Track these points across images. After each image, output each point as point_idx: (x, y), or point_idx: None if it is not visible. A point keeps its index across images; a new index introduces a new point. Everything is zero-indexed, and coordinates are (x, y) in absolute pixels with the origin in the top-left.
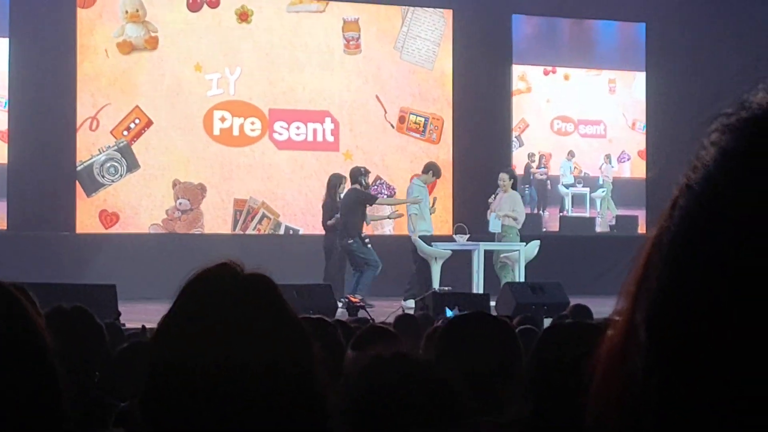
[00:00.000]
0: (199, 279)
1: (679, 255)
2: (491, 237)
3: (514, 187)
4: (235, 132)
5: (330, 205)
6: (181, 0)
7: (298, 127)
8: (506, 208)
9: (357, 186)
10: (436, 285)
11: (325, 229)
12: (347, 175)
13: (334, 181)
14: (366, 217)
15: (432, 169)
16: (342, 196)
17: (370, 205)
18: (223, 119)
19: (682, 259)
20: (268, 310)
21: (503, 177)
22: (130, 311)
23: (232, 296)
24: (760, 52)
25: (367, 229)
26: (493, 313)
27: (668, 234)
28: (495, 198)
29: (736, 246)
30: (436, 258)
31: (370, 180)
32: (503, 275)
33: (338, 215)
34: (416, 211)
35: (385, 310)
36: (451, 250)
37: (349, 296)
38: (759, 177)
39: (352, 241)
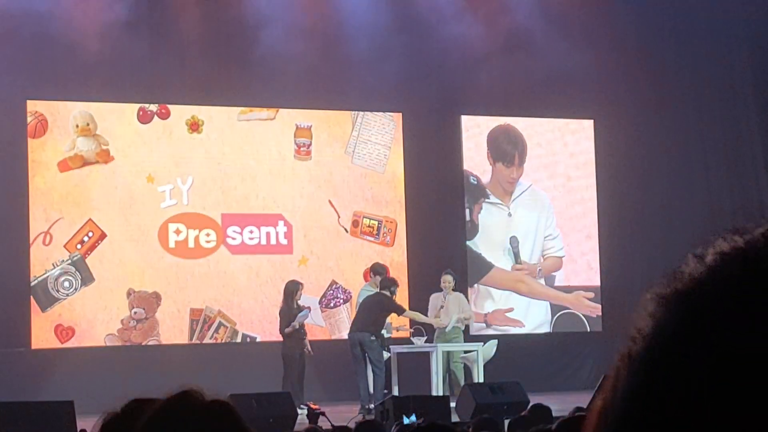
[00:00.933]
0: (162, 409)
1: (624, 427)
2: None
3: (456, 287)
4: (191, 244)
5: (287, 312)
6: (132, 112)
7: (251, 231)
8: (456, 310)
9: (386, 293)
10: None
11: (282, 336)
12: (301, 282)
13: (291, 288)
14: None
15: (375, 271)
16: (365, 296)
17: (398, 315)
18: (178, 232)
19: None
20: None
21: (447, 279)
22: (90, 425)
23: (194, 426)
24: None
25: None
26: (454, 414)
27: (613, 407)
28: (445, 300)
29: (678, 418)
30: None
31: (326, 285)
32: (458, 376)
33: (295, 324)
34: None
35: (344, 416)
36: (409, 352)
37: (309, 403)
38: (691, 351)
39: (374, 338)
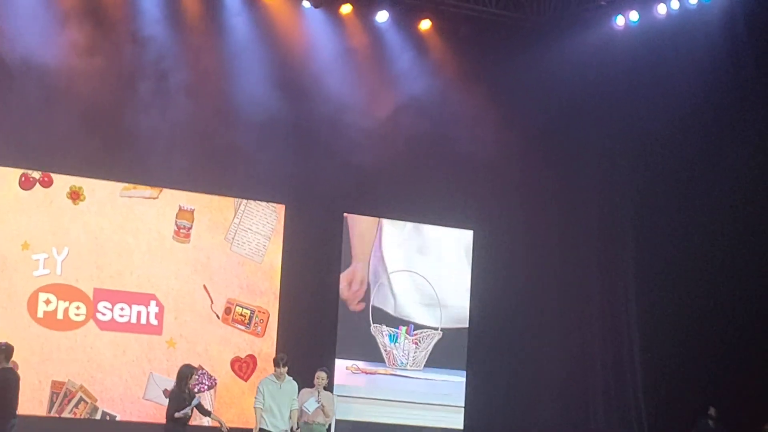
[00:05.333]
0: None
1: None
2: None
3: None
4: (59, 316)
5: (178, 395)
6: (14, 177)
7: (122, 308)
8: (330, 408)
9: None
10: None
11: (169, 419)
12: (196, 367)
13: (186, 372)
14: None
15: (281, 363)
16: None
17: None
18: (48, 302)
19: None
20: None
21: (321, 375)
22: None
23: None
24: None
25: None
26: None
27: None
28: (319, 397)
29: None
30: None
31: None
32: None
33: (187, 410)
34: (260, 405)
35: None
36: None
37: None
38: None
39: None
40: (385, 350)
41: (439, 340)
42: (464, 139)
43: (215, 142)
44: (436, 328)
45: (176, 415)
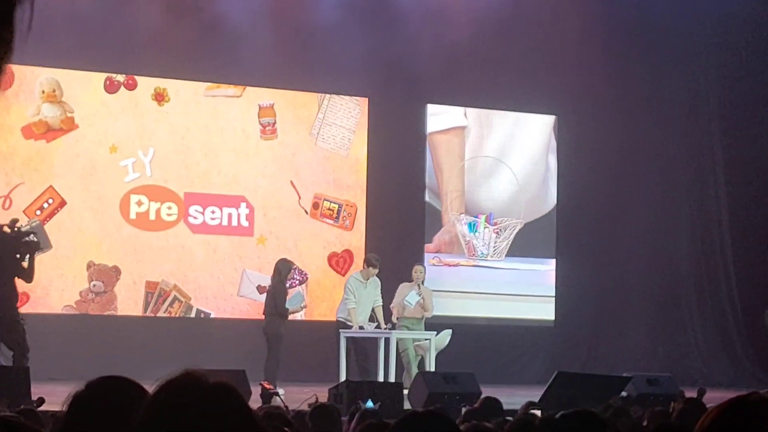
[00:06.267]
0: (165, 390)
1: None
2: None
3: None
4: (152, 216)
5: (282, 291)
6: (99, 81)
7: (213, 212)
8: (430, 303)
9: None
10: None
11: (277, 314)
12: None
13: (287, 267)
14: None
15: (369, 263)
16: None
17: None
18: (140, 203)
19: None
20: (236, 420)
21: (419, 269)
22: (42, 392)
23: (199, 407)
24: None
25: None
26: (406, 402)
27: None
28: (420, 290)
29: None
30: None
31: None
32: (412, 364)
33: (297, 307)
34: (354, 305)
35: (295, 396)
36: (362, 337)
37: (263, 383)
38: None
39: None
40: (465, 240)
41: (522, 229)
42: (546, 20)
43: (296, 37)
44: (518, 217)
45: (291, 309)
